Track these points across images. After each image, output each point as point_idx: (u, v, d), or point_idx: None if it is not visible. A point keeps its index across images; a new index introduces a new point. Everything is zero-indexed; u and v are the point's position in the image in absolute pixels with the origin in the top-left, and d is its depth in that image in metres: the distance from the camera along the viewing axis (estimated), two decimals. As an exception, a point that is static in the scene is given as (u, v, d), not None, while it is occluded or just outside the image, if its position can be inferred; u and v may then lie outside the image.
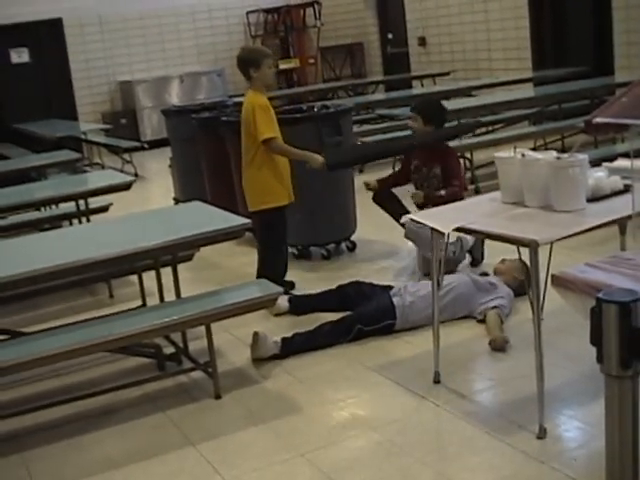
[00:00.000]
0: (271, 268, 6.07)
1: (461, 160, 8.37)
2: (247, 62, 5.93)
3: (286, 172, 6.06)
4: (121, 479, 4.00)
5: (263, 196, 5.99)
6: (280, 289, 4.90)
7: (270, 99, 6.18)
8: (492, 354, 4.91)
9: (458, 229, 4.12)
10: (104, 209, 7.70)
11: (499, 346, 4.89)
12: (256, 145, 5.89)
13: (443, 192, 6.33)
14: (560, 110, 10.85)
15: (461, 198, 5.81)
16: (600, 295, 2.34)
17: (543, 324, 3.87)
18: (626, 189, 4.26)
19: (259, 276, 6.00)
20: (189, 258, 6.11)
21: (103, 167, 13.53)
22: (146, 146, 13.38)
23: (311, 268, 7.01)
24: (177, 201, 9.28)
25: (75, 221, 7.27)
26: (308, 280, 6.61)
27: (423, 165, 6.60)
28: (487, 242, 6.21)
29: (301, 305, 5.91)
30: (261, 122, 5.82)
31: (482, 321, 5.31)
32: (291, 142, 6.73)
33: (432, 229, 4.25)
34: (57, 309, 6.61)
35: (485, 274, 5.84)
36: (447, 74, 14.67)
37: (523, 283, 5.18)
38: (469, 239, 6.31)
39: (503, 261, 5.76)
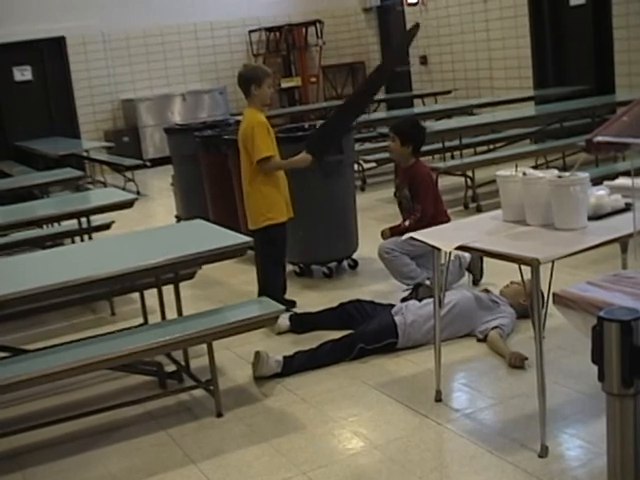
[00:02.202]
0: (273, 285, 6.07)
1: (461, 178, 8.38)
2: (249, 79, 5.94)
3: (284, 188, 6.07)
4: (122, 497, 4.00)
5: (263, 213, 5.99)
6: (282, 307, 4.90)
7: (271, 117, 6.22)
8: (493, 372, 4.91)
9: (459, 247, 4.13)
10: (106, 227, 7.70)
11: (519, 363, 4.87)
12: (248, 165, 5.93)
13: (407, 222, 6.33)
14: (561, 128, 10.87)
15: (440, 222, 5.53)
16: (601, 313, 2.34)
17: (544, 342, 3.87)
18: (627, 207, 4.26)
19: (261, 294, 6.00)
20: (191, 276, 6.11)
21: (105, 185, 13.53)
22: (148, 164, 13.40)
23: (312, 286, 7.01)
24: (179, 219, 9.28)
25: (77, 239, 7.27)
26: (309, 298, 6.61)
27: (401, 184, 6.58)
28: (488, 260, 6.21)
29: (302, 323, 5.90)
30: (260, 141, 5.83)
31: (482, 340, 5.31)
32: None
33: (434, 248, 4.26)
34: (59, 327, 6.60)
35: (487, 290, 5.82)
36: (448, 92, 14.72)
37: (527, 310, 5.14)
38: (467, 257, 6.30)
39: (510, 284, 5.72)
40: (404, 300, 6.03)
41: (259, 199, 5.98)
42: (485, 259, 6.26)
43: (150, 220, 10.64)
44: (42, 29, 15.47)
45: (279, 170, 6.02)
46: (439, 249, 4.23)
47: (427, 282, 6.11)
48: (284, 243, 6.12)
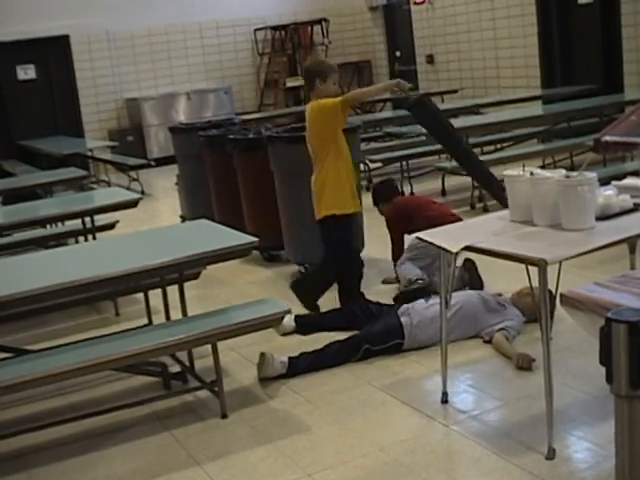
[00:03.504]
0: (348, 278, 6.15)
1: (467, 178, 8.37)
2: (315, 73, 5.94)
3: (353, 180, 6.08)
4: (126, 499, 4.00)
5: (331, 202, 5.96)
6: (287, 308, 4.89)
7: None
8: (500, 374, 4.90)
9: (466, 248, 4.12)
10: (110, 227, 7.71)
11: (526, 364, 4.86)
12: (326, 150, 5.90)
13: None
14: (569, 128, 10.85)
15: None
16: (609, 314, 2.34)
17: (552, 343, 3.86)
18: (635, 207, 4.26)
19: (342, 292, 6.12)
20: (196, 276, 6.12)
21: (109, 184, 13.55)
22: (153, 163, 13.41)
23: (318, 286, 7.00)
24: (184, 219, 9.29)
25: (81, 239, 7.28)
26: (315, 299, 6.61)
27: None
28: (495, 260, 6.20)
29: (307, 324, 5.91)
30: (329, 101, 5.84)
31: (488, 342, 5.30)
32: (298, 161, 6.76)
33: (441, 248, 4.25)
34: (63, 327, 6.61)
35: (499, 294, 5.80)
36: (455, 92, 14.70)
37: (535, 319, 5.11)
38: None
39: (521, 292, 5.69)
40: (395, 299, 6.10)
41: (327, 188, 5.95)
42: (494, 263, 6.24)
43: (155, 220, 10.65)
44: (46, 27, 15.49)
45: (364, 96, 6.01)
46: (446, 250, 4.22)
47: (419, 282, 6.16)
48: (351, 235, 6.14)
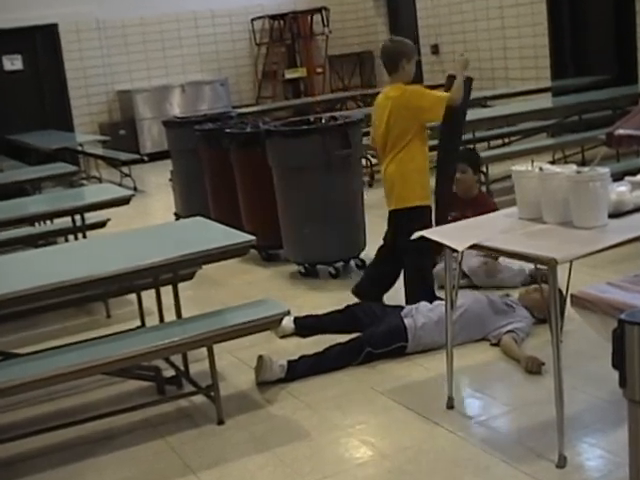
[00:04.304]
0: (430, 269, 6.10)
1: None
2: (401, 53, 5.91)
3: (428, 172, 6.05)
4: (118, 509, 4.01)
5: (414, 191, 5.93)
6: (286, 309, 4.89)
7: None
8: (508, 378, 4.91)
9: (473, 246, 4.13)
10: (101, 225, 7.71)
11: (536, 368, 4.86)
12: (411, 138, 5.86)
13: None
14: (580, 121, 10.86)
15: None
16: (622, 316, 2.34)
17: (562, 346, 3.86)
18: (650, 204, 4.26)
19: (410, 288, 6.04)
20: (190, 276, 6.11)
21: (100, 181, 13.56)
22: (146, 159, 13.42)
23: (318, 287, 7.02)
24: (178, 216, 9.30)
25: (71, 237, 7.29)
26: (315, 300, 6.62)
27: (462, 217, 6.49)
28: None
29: (307, 326, 5.91)
30: (429, 94, 5.87)
31: (496, 345, 5.31)
32: (297, 156, 6.78)
33: (447, 247, 4.26)
34: (52, 329, 6.62)
35: (506, 295, 5.81)
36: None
37: (545, 319, 5.11)
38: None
39: (529, 289, 5.71)
40: None
41: (409, 177, 5.91)
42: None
43: (148, 218, 10.66)
44: (33, 16, 15.47)
45: (457, 96, 5.83)
46: (451, 248, 4.23)
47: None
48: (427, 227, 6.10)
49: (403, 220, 5.89)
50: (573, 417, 4.22)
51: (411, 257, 5.93)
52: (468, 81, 5.90)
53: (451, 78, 5.94)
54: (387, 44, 6.03)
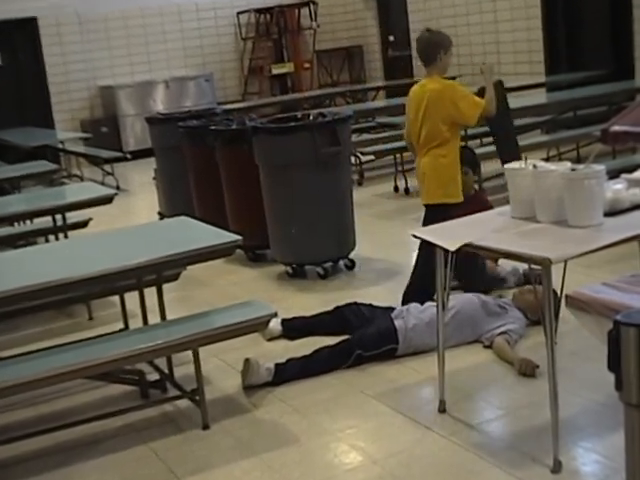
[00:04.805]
0: (473, 268, 6.11)
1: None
2: (439, 44, 5.99)
3: (459, 166, 6.11)
4: (101, 517, 4.00)
5: (446, 188, 5.96)
6: (273, 311, 4.89)
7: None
8: (501, 381, 4.92)
9: (465, 246, 4.13)
10: (83, 224, 7.70)
11: (529, 371, 4.87)
12: (447, 135, 5.92)
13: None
14: (575, 117, 10.87)
15: None
16: (618, 317, 2.34)
17: (557, 348, 3.88)
18: (646, 203, 4.27)
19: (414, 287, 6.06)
20: (175, 277, 6.10)
21: (82, 179, 13.55)
22: (129, 157, 13.40)
23: (306, 288, 7.02)
24: (162, 216, 9.29)
25: (51, 237, 7.27)
26: (303, 301, 6.62)
27: (457, 216, 6.48)
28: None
29: (295, 328, 5.91)
30: (470, 96, 5.95)
31: (488, 347, 5.32)
32: (284, 153, 6.77)
33: (438, 247, 4.26)
34: (32, 332, 6.60)
35: (500, 296, 5.82)
36: (453, 79, 14.67)
37: (539, 320, 5.11)
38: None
39: (522, 290, 5.72)
40: None
41: (440, 171, 5.94)
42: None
43: (131, 217, 10.65)
44: (11, 9, 15.43)
45: (493, 104, 6.00)
46: (443, 248, 4.23)
47: None
48: None
49: (432, 215, 5.91)
50: (568, 421, 4.23)
51: (426, 255, 5.99)
52: (500, 85, 6.01)
53: (482, 90, 6.04)
54: (424, 35, 6.09)
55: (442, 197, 5.95)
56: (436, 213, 5.84)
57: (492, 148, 10.34)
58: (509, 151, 6.38)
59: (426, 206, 6.08)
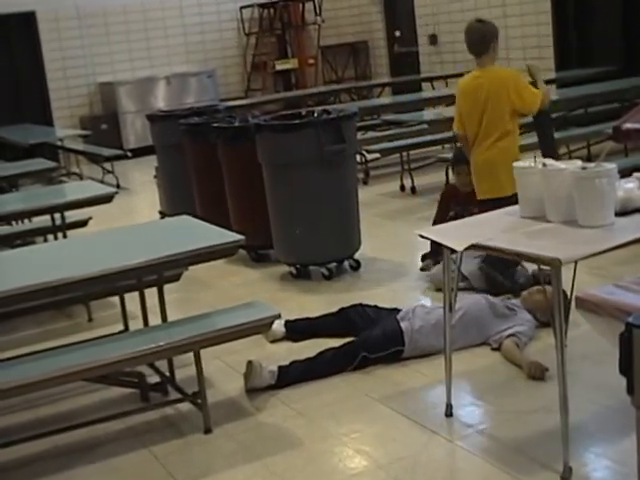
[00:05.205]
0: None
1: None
2: (492, 34, 6.10)
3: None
4: (100, 522, 4.01)
5: (503, 182, 5.91)
6: (277, 312, 4.89)
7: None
8: (510, 384, 4.91)
9: (473, 246, 4.13)
10: (82, 224, 7.71)
11: (539, 374, 4.86)
12: (508, 127, 6.01)
13: None
14: (586, 114, 10.87)
15: None
16: (630, 319, 2.35)
17: (567, 351, 3.87)
18: (659, 202, 4.26)
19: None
20: (176, 278, 6.11)
21: (81, 177, 13.55)
22: (129, 154, 13.40)
23: (310, 289, 7.02)
24: (163, 215, 9.29)
25: (50, 237, 7.28)
26: (307, 302, 6.62)
27: (464, 213, 6.49)
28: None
29: (299, 330, 5.91)
30: (530, 87, 6.04)
31: (497, 349, 5.31)
32: (288, 151, 6.77)
33: (445, 247, 4.26)
34: (30, 333, 6.61)
35: (508, 298, 5.82)
36: (461, 75, 14.63)
37: (548, 321, 5.11)
38: None
39: (531, 290, 5.72)
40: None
41: (505, 167, 5.78)
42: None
43: (131, 216, 10.65)
44: (8, 2, 15.46)
45: (548, 101, 6.19)
46: (450, 249, 4.23)
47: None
48: None
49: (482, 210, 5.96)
50: (578, 426, 4.22)
51: None
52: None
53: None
54: (477, 25, 6.16)
55: (503, 191, 5.87)
56: (494, 207, 5.88)
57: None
58: (549, 146, 6.42)
59: (481, 202, 6.07)
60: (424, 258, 6.94)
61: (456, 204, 6.57)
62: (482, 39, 6.05)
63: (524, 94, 6.00)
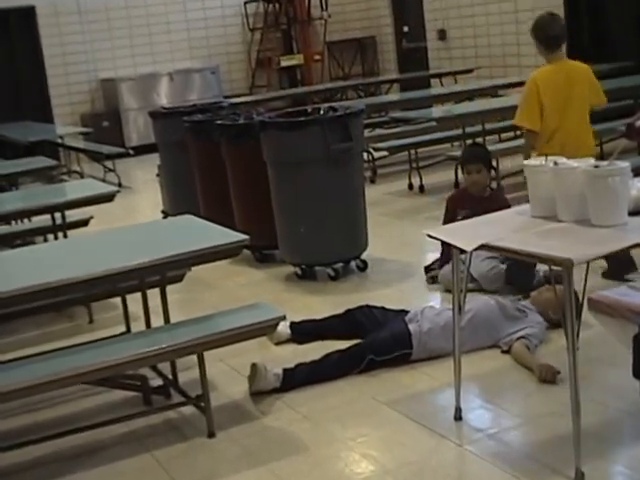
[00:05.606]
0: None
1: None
2: (565, 34, 6.40)
3: None
4: (102, 528, 4.01)
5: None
6: (282, 314, 4.89)
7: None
8: (520, 387, 4.91)
9: (482, 246, 4.13)
10: (83, 223, 7.72)
11: (550, 377, 4.86)
12: (587, 118, 6.30)
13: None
14: (598, 111, 10.83)
15: None
16: (643, 321, 2.34)
17: (579, 354, 3.86)
18: (673, 201, 4.26)
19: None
20: (179, 279, 6.11)
21: (82, 176, 13.56)
22: (131, 152, 13.42)
23: (316, 290, 7.03)
24: (166, 214, 9.30)
25: (50, 236, 7.29)
26: (313, 304, 6.63)
27: (474, 215, 6.49)
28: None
29: (305, 332, 5.91)
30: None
31: (507, 352, 5.31)
32: (293, 149, 6.77)
33: (454, 247, 4.26)
34: (30, 335, 6.62)
35: (518, 299, 5.82)
36: (470, 71, 14.70)
37: (559, 322, 5.11)
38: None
39: (541, 290, 5.72)
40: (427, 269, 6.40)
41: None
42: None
43: (133, 216, 10.66)
44: (9, -3, 15.50)
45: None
46: (460, 249, 4.23)
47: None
48: None
49: None
50: (590, 430, 4.21)
51: None
52: None
53: None
54: (555, 17, 6.31)
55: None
56: None
57: (511, 144, 10.35)
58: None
59: None
60: (427, 270, 6.88)
61: (463, 207, 6.56)
62: (563, 32, 6.17)
63: (599, 86, 6.28)
